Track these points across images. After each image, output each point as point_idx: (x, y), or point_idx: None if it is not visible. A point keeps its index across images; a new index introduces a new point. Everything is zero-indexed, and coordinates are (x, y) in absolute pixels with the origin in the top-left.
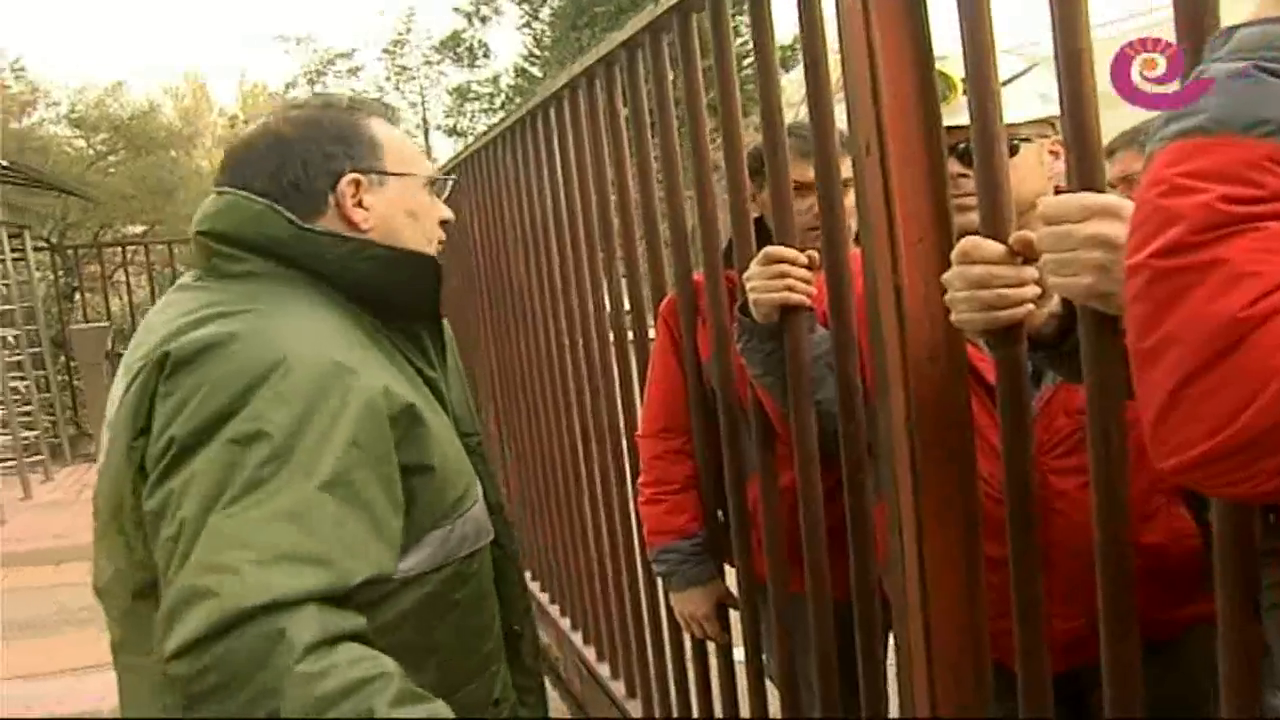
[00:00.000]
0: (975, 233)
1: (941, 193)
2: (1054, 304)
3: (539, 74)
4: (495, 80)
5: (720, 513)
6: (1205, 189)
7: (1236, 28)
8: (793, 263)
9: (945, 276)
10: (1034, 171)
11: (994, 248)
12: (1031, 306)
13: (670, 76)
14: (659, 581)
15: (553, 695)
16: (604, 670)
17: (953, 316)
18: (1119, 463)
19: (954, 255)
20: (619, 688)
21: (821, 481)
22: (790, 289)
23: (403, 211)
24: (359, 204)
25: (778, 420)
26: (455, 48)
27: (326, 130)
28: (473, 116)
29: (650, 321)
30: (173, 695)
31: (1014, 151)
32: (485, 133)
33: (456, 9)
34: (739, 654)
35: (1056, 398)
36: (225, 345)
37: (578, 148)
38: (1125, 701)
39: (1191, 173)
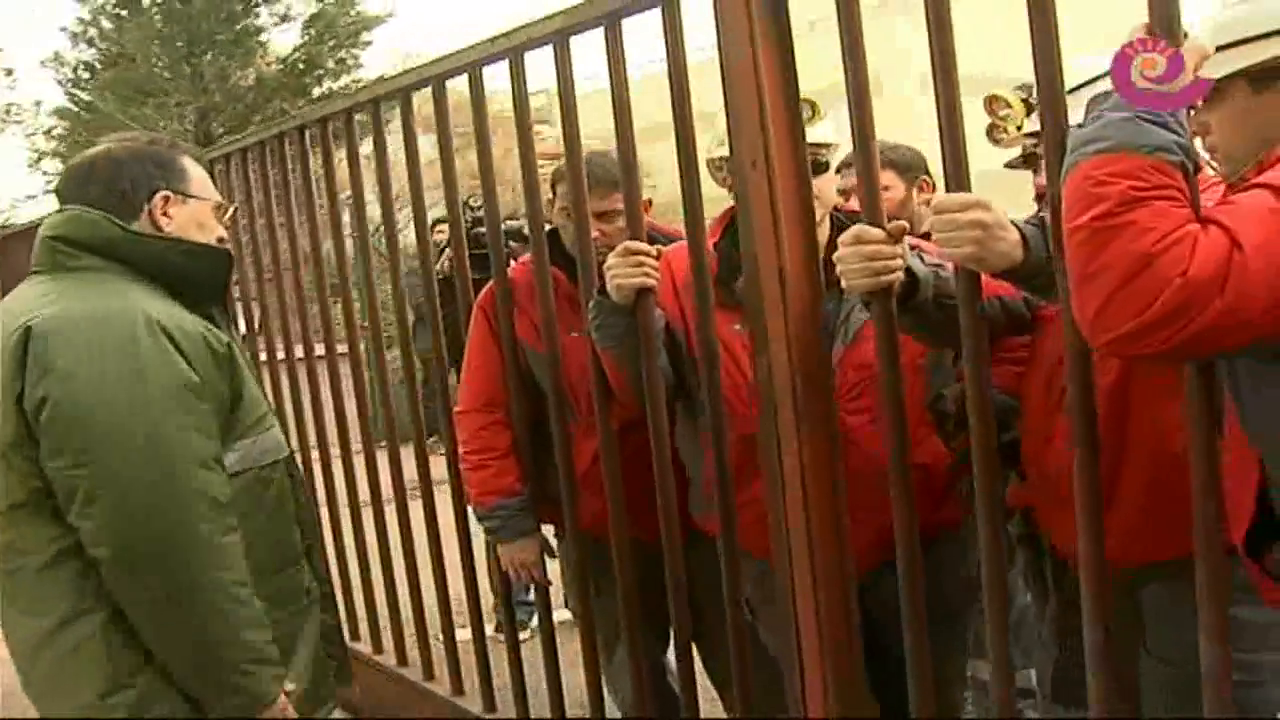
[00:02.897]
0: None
1: (807, 195)
2: (901, 275)
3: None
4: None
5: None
6: (1119, 182)
7: (1113, 91)
8: (647, 255)
9: (841, 254)
10: (832, 180)
11: (878, 233)
12: (900, 275)
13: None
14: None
15: None
16: (388, 660)
17: (846, 282)
18: (986, 382)
19: (846, 238)
20: (414, 673)
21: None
22: (647, 274)
23: (194, 224)
24: (165, 213)
25: (619, 385)
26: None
27: (150, 157)
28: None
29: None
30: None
31: (825, 167)
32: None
33: (63, 28)
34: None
35: (848, 355)
36: (79, 315)
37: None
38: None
39: (1109, 173)
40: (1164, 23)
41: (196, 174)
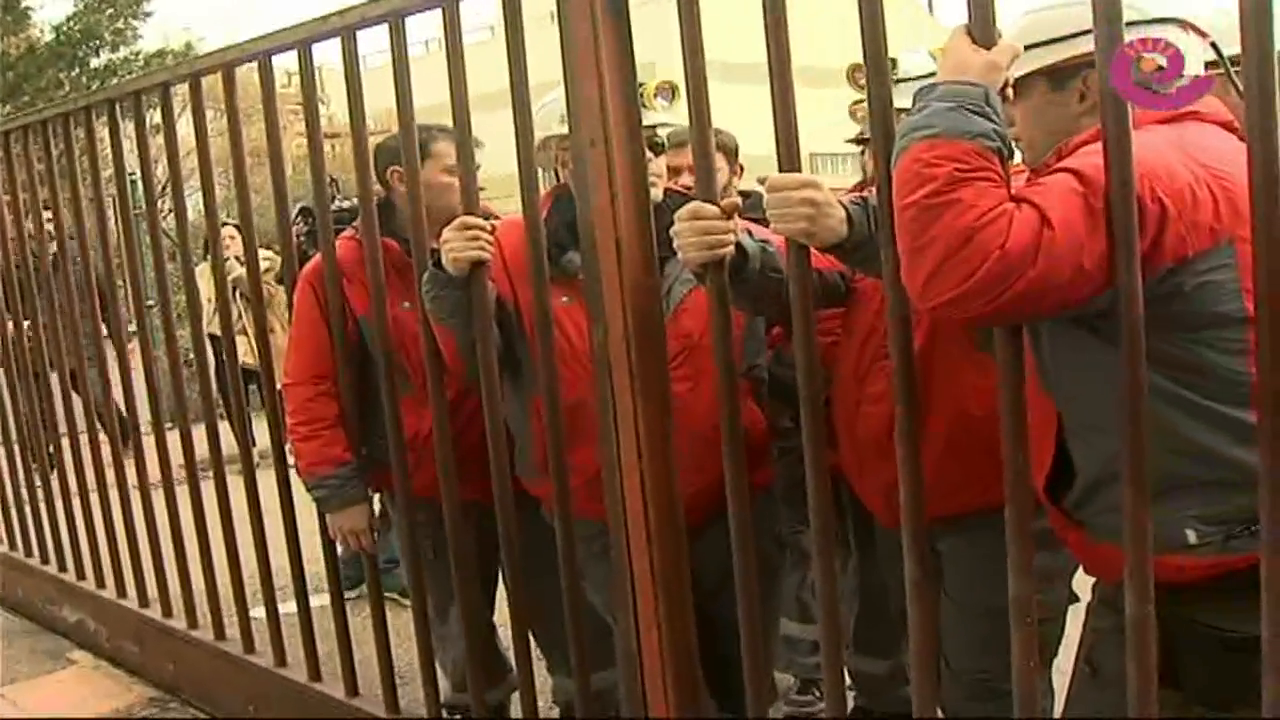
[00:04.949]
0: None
1: (642, 173)
2: (732, 249)
3: None
4: None
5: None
6: (945, 164)
7: (938, 84)
8: (482, 229)
9: (678, 228)
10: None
11: (713, 210)
12: (731, 249)
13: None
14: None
15: (100, 664)
16: (205, 635)
17: (683, 255)
18: (813, 345)
19: (683, 213)
20: (234, 646)
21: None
22: (482, 248)
23: None
24: None
25: (452, 355)
26: None
27: None
28: None
29: None
30: None
31: (662, 148)
32: None
33: None
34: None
35: (670, 326)
36: None
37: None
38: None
39: (937, 156)
40: (981, 24)
41: None
